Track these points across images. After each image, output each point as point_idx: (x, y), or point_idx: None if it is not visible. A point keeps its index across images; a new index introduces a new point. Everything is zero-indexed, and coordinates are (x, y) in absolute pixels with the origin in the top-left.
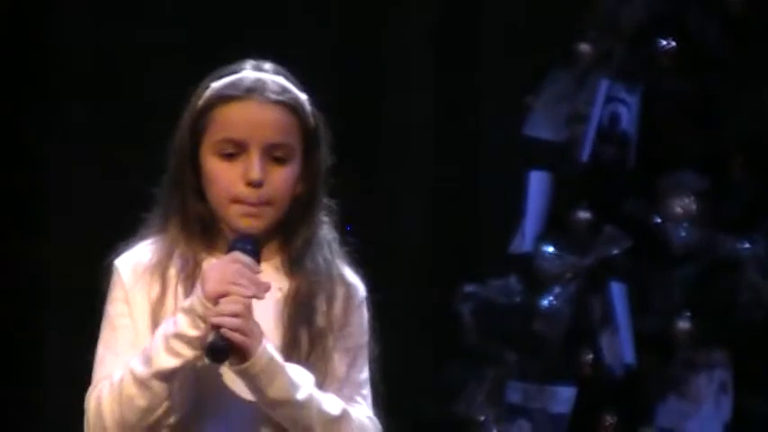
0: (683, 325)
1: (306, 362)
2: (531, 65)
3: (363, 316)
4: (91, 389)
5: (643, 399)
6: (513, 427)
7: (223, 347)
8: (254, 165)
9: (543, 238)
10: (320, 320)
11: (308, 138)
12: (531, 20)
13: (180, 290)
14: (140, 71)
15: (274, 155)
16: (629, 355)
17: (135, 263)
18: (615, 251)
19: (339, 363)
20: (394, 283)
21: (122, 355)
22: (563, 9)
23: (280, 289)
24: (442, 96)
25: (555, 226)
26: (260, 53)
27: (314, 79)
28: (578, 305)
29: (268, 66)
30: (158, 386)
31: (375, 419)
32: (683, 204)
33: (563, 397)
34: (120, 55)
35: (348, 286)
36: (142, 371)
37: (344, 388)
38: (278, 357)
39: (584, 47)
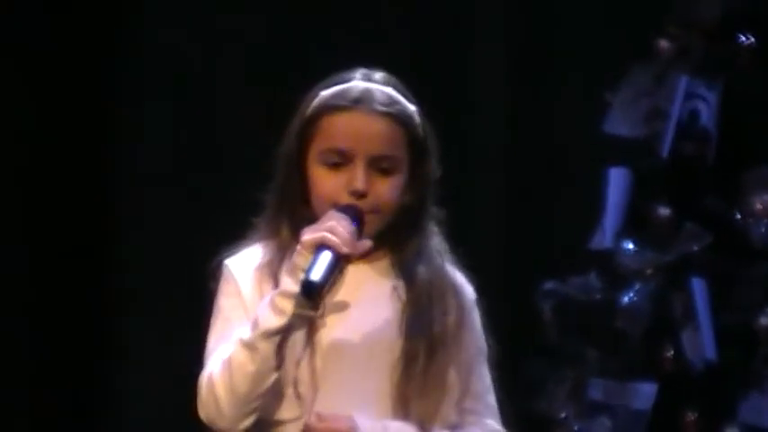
0: (764, 321)
1: (423, 374)
2: (611, 61)
3: (475, 321)
4: (203, 372)
5: (725, 395)
6: (595, 425)
7: (312, 276)
8: (358, 175)
9: (623, 234)
10: (438, 332)
11: (416, 149)
12: (610, 16)
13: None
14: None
15: (380, 166)
16: (710, 352)
17: (246, 262)
18: (696, 247)
19: (457, 375)
20: (474, 281)
21: None
22: (642, 5)
23: (394, 288)
24: (521, 93)
25: (635, 222)
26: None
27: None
28: (659, 301)
29: (378, 75)
30: (265, 347)
31: (498, 431)
32: (763, 200)
33: (644, 393)
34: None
35: (458, 294)
36: (250, 335)
37: (465, 401)
38: None
39: (663, 43)
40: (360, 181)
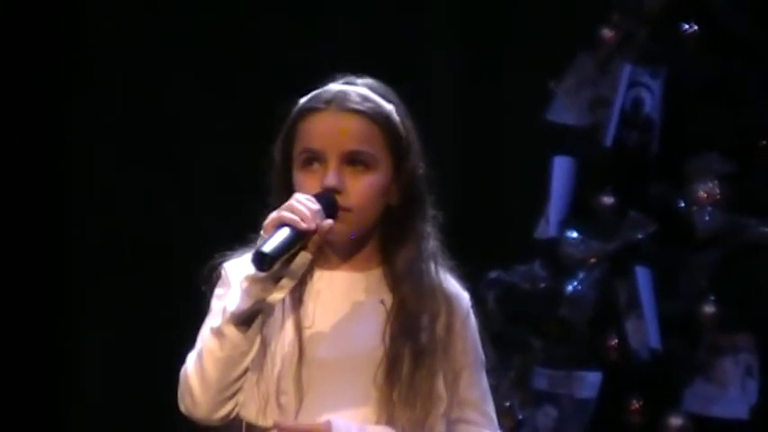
0: (709, 309)
1: (409, 381)
2: (555, 50)
3: (470, 328)
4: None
5: (669, 383)
6: (540, 413)
7: (264, 247)
8: (328, 172)
9: (568, 223)
10: (424, 339)
11: (396, 148)
12: (554, 5)
13: (287, 299)
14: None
15: (353, 163)
16: (654, 340)
17: (243, 267)
18: (640, 235)
19: (445, 383)
20: None
21: None
22: None
23: (382, 301)
24: (464, 83)
25: (579, 211)
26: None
27: None
28: (603, 290)
29: (360, 80)
30: (233, 332)
31: None
32: (707, 188)
33: (589, 382)
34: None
35: (451, 300)
36: (218, 321)
37: (459, 410)
38: None
39: (607, 32)
40: (329, 177)
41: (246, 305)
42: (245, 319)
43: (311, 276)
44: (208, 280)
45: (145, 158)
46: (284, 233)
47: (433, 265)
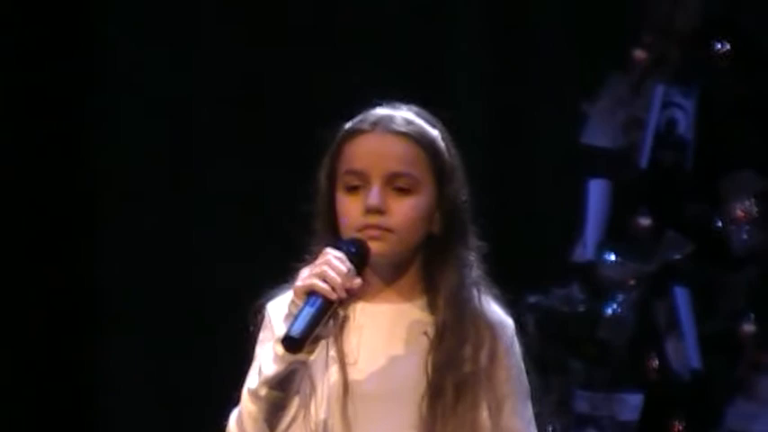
0: (748, 327)
1: (452, 412)
2: (587, 72)
3: (514, 356)
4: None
5: (711, 402)
6: None
7: (292, 331)
8: (372, 192)
9: (605, 245)
10: (467, 369)
11: (439, 173)
12: (586, 26)
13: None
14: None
15: (397, 185)
16: (695, 360)
17: (285, 308)
18: (677, 256)
19: (489, 412)
20: None
21: None
22: (617, 15)
23: (425, 333)
24: (497, 106)
25: (616, 233)
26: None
27: None
28: (642, 311)
29: (405, 106)
30: (269, 394)
31: None
32: (743, 206)
33: (630, 404)
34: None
35: (495, 328)
36: (254, 382)
37: None
38: None
39: (639, 52)
40: (372, 197)
41: (279, 369)
42: (279, 382)
43: (354, 310)
44: (254, 321)
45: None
46: (312, 310)
47: (476, 294)
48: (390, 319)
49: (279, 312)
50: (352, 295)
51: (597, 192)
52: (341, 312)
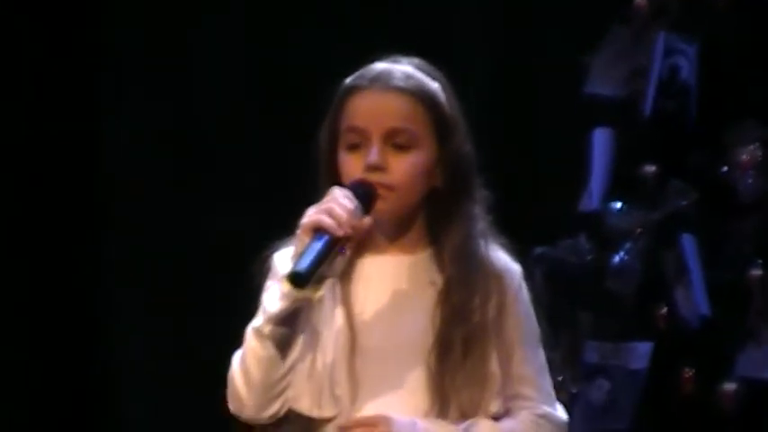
0: (756, 273)
1: (461, 366)
2: (589, 23)
3: (522, 302)
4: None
5: (721, 350)
6: (592, 387)
7: (298, 266)
8: (372, 150)
9: (611, 195)
10: (476, 322)
11: (441, 127)
12: None
13: (337, 287)
14: None
15: (396, 141)
16: (703, 307)
17: (292, 257)
18: (683, 203)
19: (499, 360)
20: None
21: None
22: None
23: (432, 283)
24: (501, 59)
25: (622, 182)
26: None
27: None
28: (650, 260)
29: (405, 59)
30: (274, 332)
31: (550, 414)
32: (748, 152)
33: (640, 353)
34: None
35: (502, 276)
36: (259, 321)
37: (512, 387)
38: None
39: (640, 1)
40: (373, 155)
41: (285, 305)
42: (284, 319)
43: (360, 261)
44: (259, 272)
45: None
46: (318, 244)
47: (482, 245)
48: (397, 271)
49: (285, 262)
50: (360, 234)
51: (602, 141)
52: (347, 251)
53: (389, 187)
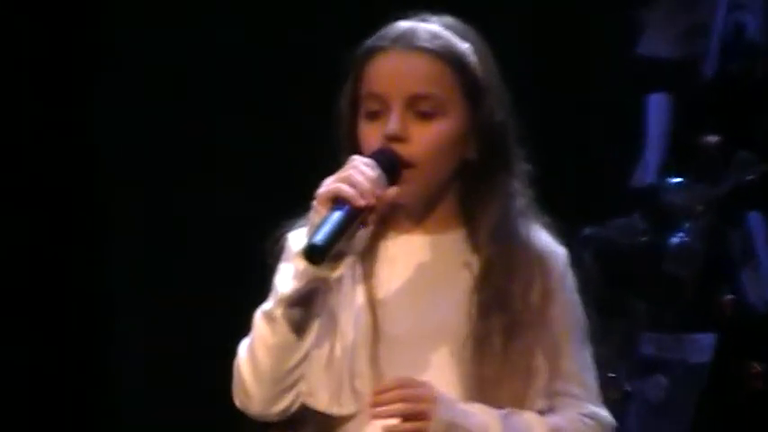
0: None
1: (502, 358)
2: None
3: (567, 289)
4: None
5: None
6: (649, 383)
7: (315, 238)
8: (391, 118)
9: (668, 168)
10: (518, 309)
11: (472, 92)
12: None
13: (358, 267)
14: None
15: (420, 108)
16: None
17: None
18: (750, 177)
19: (544, 355)
20: None
21: None
22: None
23: (466, 265)
24: (544, 15)
25: (680, 154)
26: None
27: None
28: (712, 241)
29: (435, 17)
30: (286, 316)
31: (597, 414)
32: None
33: (702, 345)
34: None
35: (545, 259)
36: (269, 304)
37: (553, 382)
38: (459, 413)
39: None
40: (392, 123)
41: (300, 285)
42: (298, 300)
43: (384, 240)
44: (272, 253)
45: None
46: (338, 215)
47: (523, 224)
48: (425, 251)
49: (300, 241)
50: (384, 206)
51: (658, 108)
52: (370, 224)
53: (410, 163)
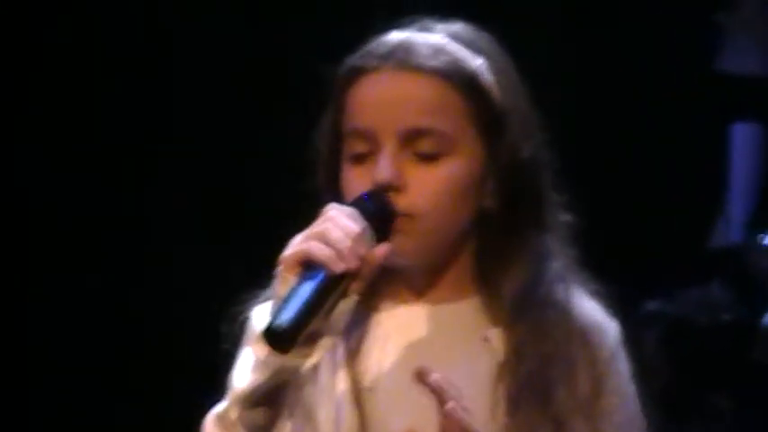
0: None
1: None
2: None
3: (618, 376)
4: None
5: None
6: None
7: (279, 319)
8: (380, 161)
9: (759, 221)
10: (561, 398)
11: (488, 122)
12: None
13: (340, 348)
14: None
15: (419, 149)
16: None
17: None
18: None
19: None
20: None
21: None
22: None
23: (485, 340)
24: (584, 18)
25: None
26: None
27: None
28: None
29: (440, 25)
30: (244, 418)
31: None
32: None
33: None
34: None
35: (590, 335)
36: (223, 405)
37: None
38: None
39: None
40: (381, 167)
41: (261, 379)
42: (259, 399)
43: (376, 312)
44: (230, 335)
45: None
46: (309, 285)
47: (561, 291)
48: (429, 324)
49: (264, 321)
50: (371, 270)
51: (746, 142)
52: (352, 295)
53: (408, 214)
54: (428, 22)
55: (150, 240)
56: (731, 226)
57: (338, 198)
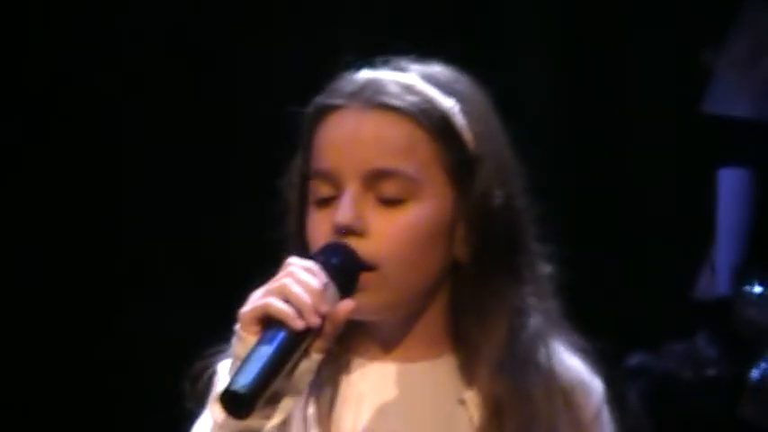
0: None
1: None
2: (710, 3)
3: (604, 429)
4: None
5: None
6: None
7: (236, 383)
8: (341, 202)
9: (746, 272)
10: None
11: (458, 166)
12: None
13: (311, 405)
14: None
15: (383, 194)
16: None
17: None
18: None
19: None
20: None
21: None
22: None
23: (462, 401)
24: (573, 60)
25: (764, 253)
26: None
27: None
28: None
29: (414, 65)
30: None
31: None
32: None
33: None
34: None
35: (573, 394)
36: None
37: None
38: None
39: None
40: (344, 209)
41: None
42: None
43: (347, 372)
44: (192, 392)
45: None
46: (269, 347)
47: (541, 349)
48: (403, 384)
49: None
50: (336, 327)
51: (733, 187)
52: (315, 354)
53: (370, 266)
54: (403, 62)
55: (110, 286)
56: (718, 275)
57: (305, 245)
